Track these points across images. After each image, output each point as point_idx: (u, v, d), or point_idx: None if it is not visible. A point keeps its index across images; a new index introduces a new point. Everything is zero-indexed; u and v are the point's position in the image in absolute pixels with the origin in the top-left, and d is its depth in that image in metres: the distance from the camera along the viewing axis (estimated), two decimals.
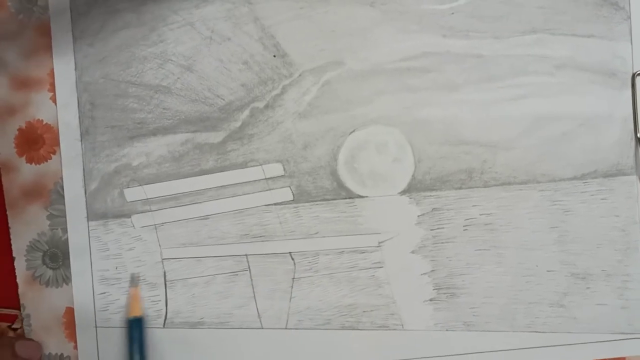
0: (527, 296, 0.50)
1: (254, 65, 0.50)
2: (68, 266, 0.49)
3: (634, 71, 0.50)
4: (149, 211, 0.49)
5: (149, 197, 0.49)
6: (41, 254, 0.50)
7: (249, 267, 0.49)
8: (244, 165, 0.50)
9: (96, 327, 0.49)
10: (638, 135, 0.50)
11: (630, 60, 0.50)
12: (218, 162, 0.50)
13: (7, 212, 0.50)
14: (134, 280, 0.49)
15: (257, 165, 0.50)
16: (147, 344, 0.49)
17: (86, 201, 0.49)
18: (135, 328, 0.48)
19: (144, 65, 0.49)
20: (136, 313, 0.49)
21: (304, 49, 0.49)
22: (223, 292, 0.49)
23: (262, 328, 0.49)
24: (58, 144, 0.49)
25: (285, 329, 0.49)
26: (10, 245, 0.50)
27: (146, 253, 0.49)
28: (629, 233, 0.50)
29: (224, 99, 0.50)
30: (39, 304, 0.50)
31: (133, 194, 0.49)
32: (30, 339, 0.49)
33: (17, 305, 0.50)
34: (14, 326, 0.50)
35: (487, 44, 0.50)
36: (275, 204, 0.50)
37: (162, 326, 0.49)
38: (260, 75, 0.50)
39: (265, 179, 0.49)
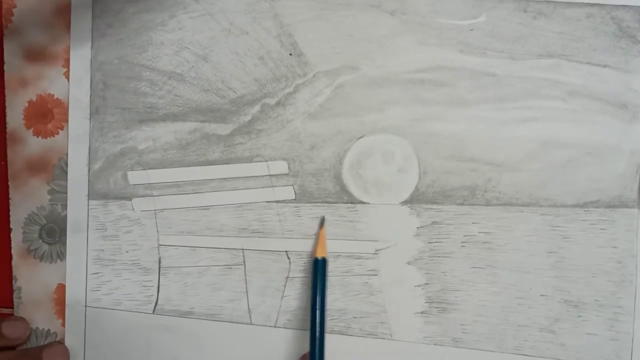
0: (518, 318, 0.50)
1: (269, 61, 0.50)
2: (64, 243, 0.49)
3: None
4: (150, 196, 0.49)
5: (151, 182, 0.49)
6: (38, 227, 0.50)
7: (244, 262, 0.49)
8: (249, 159, 0.50)
9: (86, 306, 0.49)
10: None
11: None
12: (224, 154, 0.50)
13: (9, 183, 0.50)
14: (322, 222, 0.49)
15: (262, 161, 0.50)
16: (326, 286, 0.49)
17: (89, 180, 0.49)
18: (320, 268, 0.48)
19: (160, 50, 0.50)
20: (322, 254, 0.48)
21: (321, 50, 0.50)
22: (216, 284, 0.49)
23: (251, 324, 0.49)
24: (66, 120, 0.49)
25: (274, 327, 0.49)
26: (10, 244, 0.50)
27: (143, 237, 0.49)
28: (625, 265, 0.50)
29: (236, 92, 0.50)
30: (31, 278, 0.50)
31: (136, 177, 0.49)
32: (19, 317, 0.49)
33: (10, 305, 0.50)
34: None
35: (503, 63, 0.50)
36: (276, 202, 0.50)
37: (151, 312, 0.49)
38: (275, 72, 0.50)
39: (269, 175, 0.50)
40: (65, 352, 0.49)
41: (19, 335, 0.48)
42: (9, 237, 0.50)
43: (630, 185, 0.50)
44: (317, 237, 0.49)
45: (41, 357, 0.47)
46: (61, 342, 0.49)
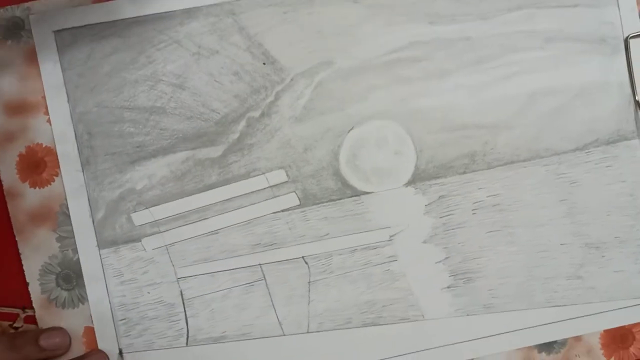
0: (543, 272, 0.50)
1: (244, 75, 0.49)
2: (82, 286, 0.49)
3: (625, 35, 0.50)
4: (158, 233, 0.49)
5: (156, 218, 0.49)
6: (54, 276, 0.50)
7: (264, 276, 0.50)
8: (246, 175, 0.50)
9: (120, 353, 0.49)
10: (637, 98, 0.50)
11: (619, 24, 0.50)
12: (221, 175, 0.50)
13: (17, 238, 0.50)
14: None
15: (260, 174, 0.50)
16: None
17: (95, 230, 0.49)
18: None
19: (135, 88, 0.49)
20: None
21: (293, 53, 0.49)
22: (241, 304, 0.50)
23: (284, 335, 0.49)
24: (59, 167, 0.49)
25: (307, 333, 0.50)
26: (17, 245, 0.50)
27: (160, 274, 0.49)
28: (637, 197, 0.50)
29: (219, 113, 0.49)
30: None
31: (140, 217, 0.49)
32: (56, 327, 0.49)
33: (18, 304, 0.50)
34: (15, 325, 0.50)
35: (474, 25, 0.50)
36: (282, 211, 0.50)
37: (185, 345, 0.49)
38: (252, 84, 0.49)
39: (270, 186, 0.49)
40: (106, 359, 0.49)
41: (59, 346, 0.48)
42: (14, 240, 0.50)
43: (625, 117, 0.50)
44: None
45: None
46: (100, 350, 0.49)
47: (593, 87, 0.50)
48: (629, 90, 0.50)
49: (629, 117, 0.50)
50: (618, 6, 0.50)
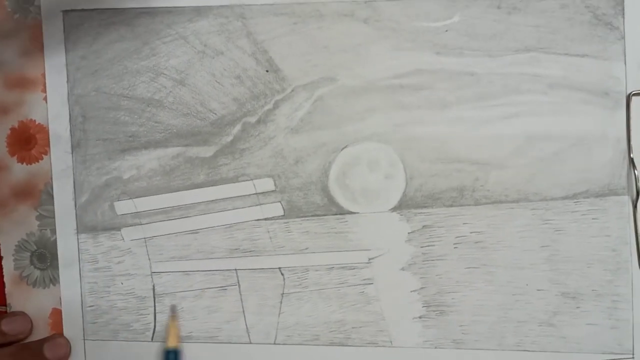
0: (517, 315, 0.50)
1: (246, 79, 0.49)
2: (56, 267, 0.49)
3: (629, 91, 0.50)
4: (138, 224, 0.49)
5: (139, 210, 0.49)
6: (29, 254, 0.50)
7: (238, 282, 0.49)
8: (234, 179, 0.50)
9: (84, 339, 0.49)
10: (631, 155, 0.50)
11: (624, 80, 0.50)
12: (209, 176, 0.49)
13: None
14: (173, 310, 0.49)
15: (248, 180, 0.49)
16: None
17: (76, 214, 0.49)
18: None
19: (136, 78, 0.49)
20: (173, 344, 0.48)
21: (297, 65, 0.49)
22: (212, 307, 0.49)
23: (251, 343, 0.49)
24: (49, 145, 0.49)
25: (274, 344, 0.49)
26: None
27: (135, 266, 0.49)
28: (619, 253, 0.50)
29: (215, 114, 0.49)
30: (25, 304, 0.50)
31: (123, 207, 0.49)
32: (19, 312, 0.49)
33: (5, 302, 0.50)
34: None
35: (481, 62, 0.50)
36: (265, 219, 0.50)
37: (150, 340, 0.49)
38: (253, 90, 0.50)
39: (256, 193, 0.49)
40: (67, 345, 0.49)
41: (21, 331, 0.48)
42: None
43: (618, 173, 0.50)
44: (167, 327, 0.49)
45: (42, 350, 0.47)
46: (62, 335, 0.49)
47: (590, 138, 0.50)
48: (625, 146, 0.50)
49: (622, 172, 0.50)
50: (625, 62, 0.50)
